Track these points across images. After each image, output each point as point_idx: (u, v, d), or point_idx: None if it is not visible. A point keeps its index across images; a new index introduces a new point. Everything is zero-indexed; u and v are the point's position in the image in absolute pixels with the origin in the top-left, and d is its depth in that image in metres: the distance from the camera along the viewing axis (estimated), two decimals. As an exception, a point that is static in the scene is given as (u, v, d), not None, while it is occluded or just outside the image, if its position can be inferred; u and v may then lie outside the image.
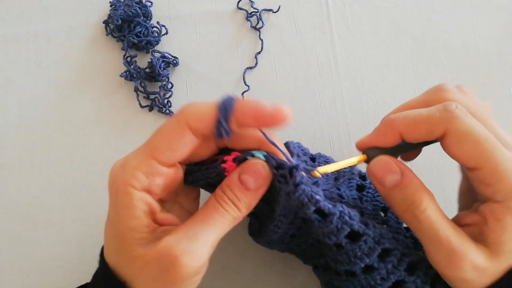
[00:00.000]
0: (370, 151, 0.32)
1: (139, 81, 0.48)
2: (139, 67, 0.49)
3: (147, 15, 0.51)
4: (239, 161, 0.31)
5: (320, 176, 0.30)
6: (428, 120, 0.30)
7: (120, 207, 0.29)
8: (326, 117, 0.48)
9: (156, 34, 0.50)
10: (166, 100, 0.48)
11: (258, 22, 0.51)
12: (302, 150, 0.41)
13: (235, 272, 0.43)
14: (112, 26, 0.50)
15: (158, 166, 0.29)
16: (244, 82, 0.49)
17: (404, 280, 0.32)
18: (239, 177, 0.30)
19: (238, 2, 0.52)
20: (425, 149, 0.35)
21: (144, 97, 0.49)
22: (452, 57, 0.50)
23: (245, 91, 0.49)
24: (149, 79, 0.49)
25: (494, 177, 0.29)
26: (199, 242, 0.29)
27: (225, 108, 0.29)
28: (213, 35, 0.51)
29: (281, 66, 0.50)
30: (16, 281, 0.43)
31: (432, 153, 0.45)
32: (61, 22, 0.51)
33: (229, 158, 0.31)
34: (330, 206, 0.30)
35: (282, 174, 0.29)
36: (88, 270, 0.43)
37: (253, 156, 0.30)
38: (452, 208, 0.38)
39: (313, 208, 0.30)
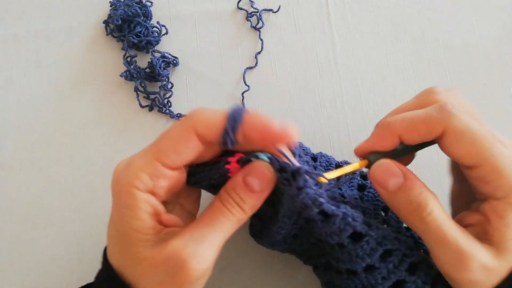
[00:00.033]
0: (370, 156, 0.32)
1: (139, 81, 0.48)
2: (139, 67, 0.49)
3: (147, 15, 0.51)
4: (243, 162, 0.31)
5: (327, 181, 0.30)
6: (426, 120, 0.30)
7: (124, 208, 0.29)
8: (326, 117, 0.48)
9: (156, 34, 0.50)
10: (166, 100, 0.48)
11: (258, 22, 0.51)
12: (303, 150, 0.41)
13: (235, 272, 0.43)
14: (112, 26, 0.50)
15: (162, 168, 0.29)
16: (244, 82, 0.49)
17: (405, 280, 0.32)
18: (244, 179, 0.30)
19: (238, 2, 0.52)
20: (425, 149, 0.35)
21: (144, 97, 0.49)
22: (452, 57, 0.50)
23: (245, 91, 0.49)
24: (149, 79, 0.49)
25: (494, 174, 0.29)
26: (206, 245, 0.29)
27: (234, 119, 0.29)
28: (213, 35, 0.51)
29: (281, 66, 0.50)
30: (16, 281, 0.43)
31: (432, 153, 0.45)
32: (61, 22, 0.51)
33: (233, 159, 0.31)
34: (333, 208, 0.30)
35: (286, 177, 0.30)
36: (88, 270, 0.43)
37: (257, 158, 0.30)
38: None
39: (316, 210, 0.30)
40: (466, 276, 0.29)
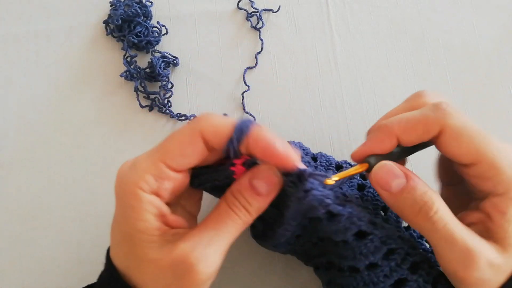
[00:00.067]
0: (370, 159, 0.32)
1: (139, 81, 0.48)
2: (139, 67, 0.49)
3: (147, 15, 0.51)
4: (249, 165, 0.31)
5: (333, 183, 0.30)
6: (423, 119, 0.30)
7: (128, 209, 0.29)
8: (326, 117, 0.48)
9: (156, 34, 0.50)
10: (166, 100, 0.48)
11: (258, 22, 0.51)
12: (304, 150, 0.42)
13: (235, 273, 0.43)
14: (112, 26, 0.50)
15: (167, 170, 0.29)
16: (244, 82, 0.49)
17: (406, 278, 0.32)
18: (250, 182, 0.30)
19: (238, 2, 0.52)
20: (425, 149, 0.35)
21: (144, 97, 0.49)
22: (452, 57, 0.50)
23: (245, 91, 0.49)
24: (149, 79, 0.49)
25: (493, 170, 0.29)
26: (213, 249, 0.29)
27: (241, 130, 0.29)
28: (213, 35, 0.51)
29: (281, 66, 0.50)
30: (16, 281, 0.43)
31: (432, 153, 0.45)
32: (61, 22, 0.51)
33: (238, 161, 0.31)
34: (340, 208, 0.30)
35: (292, 179, 0.30)
36: (88, 270, 0.43)
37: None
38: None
39: (323, 211, 0.30)
40: (474, 274, 0.29)
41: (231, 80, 0.50)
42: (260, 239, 0.37)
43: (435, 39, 0.51)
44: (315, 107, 0.49)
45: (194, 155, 0.30)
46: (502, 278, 0.29)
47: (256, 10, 0.51)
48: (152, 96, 0.48)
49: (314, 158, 0.41)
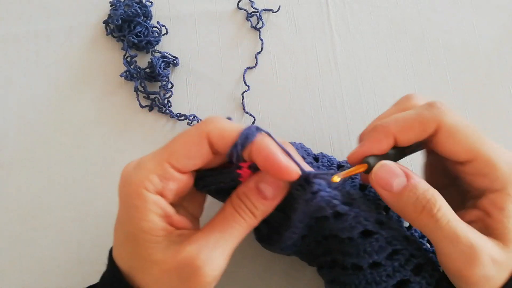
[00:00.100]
0: (369, 159, 0.32)
1: (139, 81, 0.48)
2: (139, 67, 0.49)
3: (147, 15, 0.51)
4: (255, 168, 0.31)
5: (339, 180, 0.30)
6: (419, 118, 0.30)
7: (132, 209, 0.29)
8: (326, 117, 0.48)
9: (156, 34, 0.50)
10: (166, 100, 0.48)
11: (258, 22, 0.51)
12: (305, 150, 0.42)
13: (238, 274, 0.43)
14: (112, 26, 0.50)
15: (172, 171, 0.29)
16: (244, 82, 0.49)
17: (409, 280, 0.32)
18: (257, 185, 0.30)
19: (238, 2, 0.52)
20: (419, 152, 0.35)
21: (144, 97, 0.49)
22: (452, 57, 0.50)
23: (245, 91, 0.49)
24: (149, 79, 0.49)
25: (489, 166, 0.29)
26: (219, 251, 0.29)
27: (246, 137, 0.29)
28: (213, 35, 0.51)
29: (281, 66, 0.50)
30: (16, 281, 0.43)
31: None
32: (61, 22, 0.51)
33: (244, 164, 0.31)
34: (347, 208, 0.31)
35: (299, 182, 0.30)
36: (88, 270, 0.43)
37: None
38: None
39: (330, 212, 0.30)
40: (478, 272, 0.28)
41: (231, 80, 0.50)
42: (265, 242, 0.37)
43: (435, 39, 0.51)
44: (315, 107, 0.49)
45: (199, 156, 0.30)
46: (504, 275, 0.29)
47: (256, 10, 0.51)
48: (152, 96, 0.48)
49: (316, 158, 0.41)
